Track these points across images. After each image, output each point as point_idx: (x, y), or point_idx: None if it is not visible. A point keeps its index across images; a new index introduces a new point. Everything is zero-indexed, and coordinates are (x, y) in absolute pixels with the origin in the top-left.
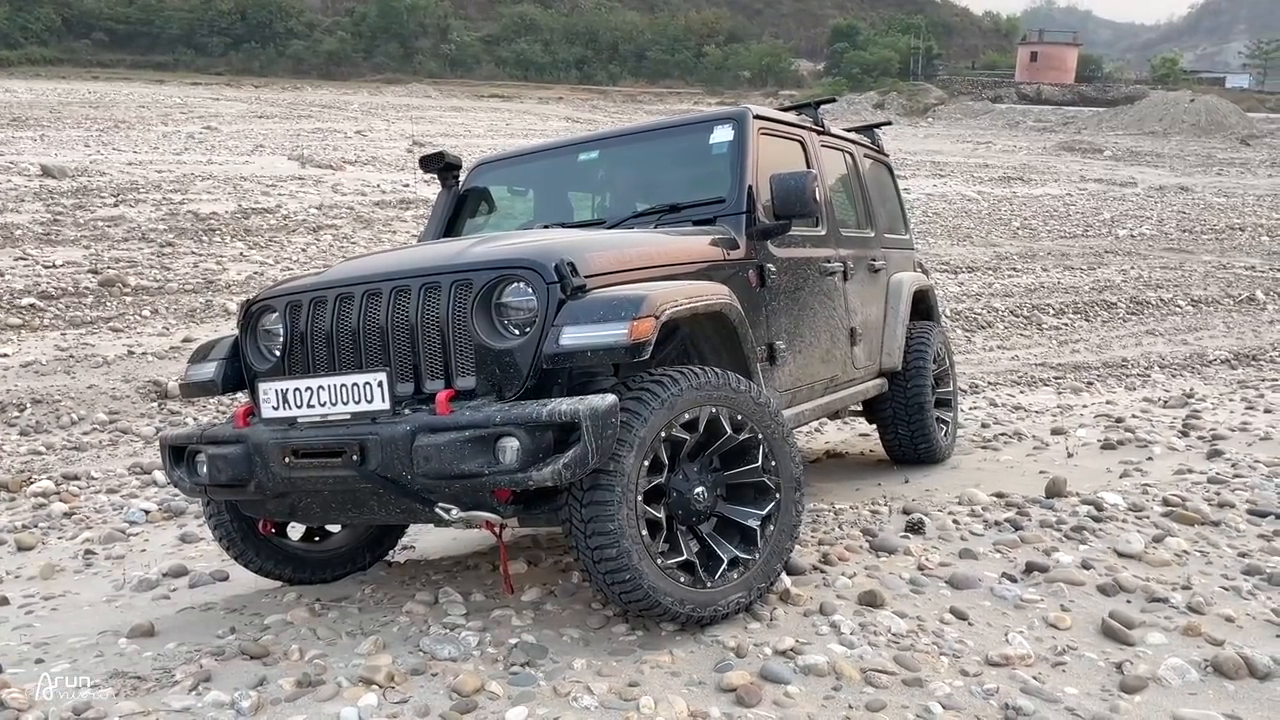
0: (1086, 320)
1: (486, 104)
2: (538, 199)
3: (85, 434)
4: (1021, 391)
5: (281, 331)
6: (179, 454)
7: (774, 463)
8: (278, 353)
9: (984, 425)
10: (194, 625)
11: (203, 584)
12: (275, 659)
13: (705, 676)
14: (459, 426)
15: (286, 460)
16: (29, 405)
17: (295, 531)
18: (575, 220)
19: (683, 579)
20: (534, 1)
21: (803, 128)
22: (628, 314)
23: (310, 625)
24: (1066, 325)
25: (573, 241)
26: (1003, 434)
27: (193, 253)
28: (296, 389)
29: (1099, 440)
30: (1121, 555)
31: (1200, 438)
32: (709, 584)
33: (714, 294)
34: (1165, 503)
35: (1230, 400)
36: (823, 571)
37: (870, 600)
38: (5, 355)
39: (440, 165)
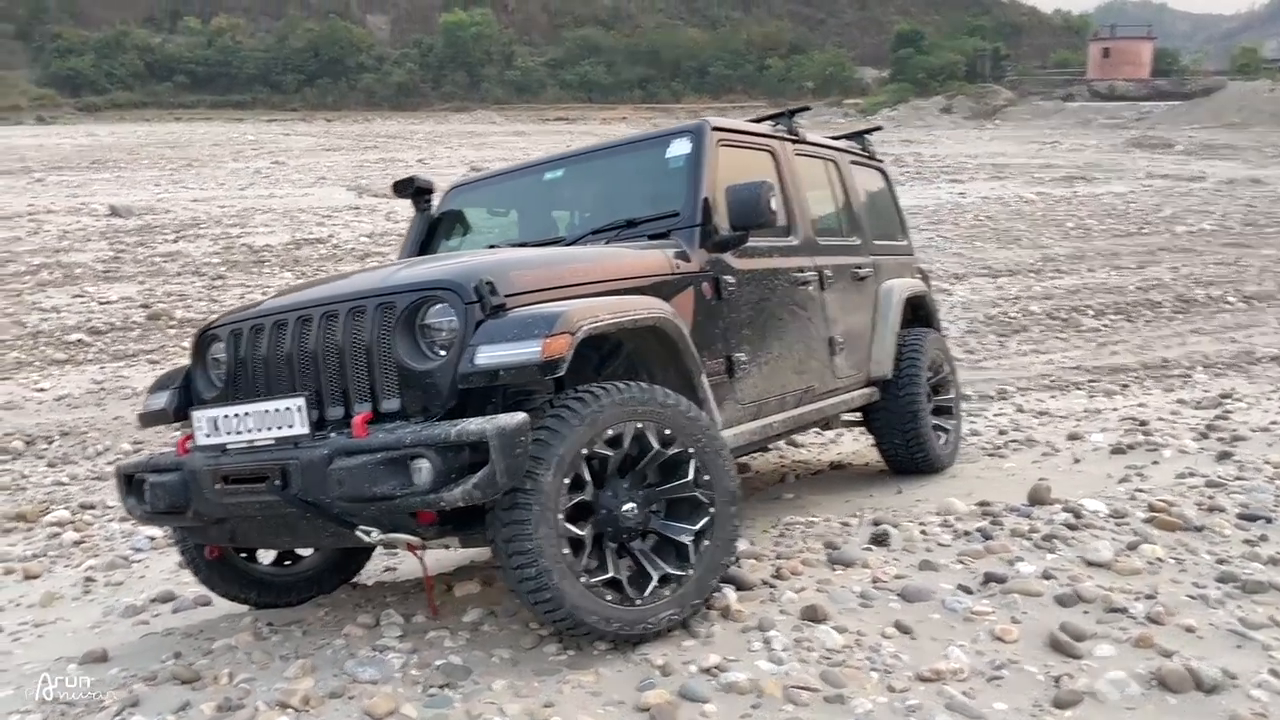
0: (1129, 321)
1: (550, 127)
2: (521, 219)
3: (109, 464)
4: (1052, 396)
5: (226, 359)
6: (129, 481)
7: (707, 477)
8: (223, 380)
9: (1001, 432)
10: (146, 650)
11: (184, 609)
12: (205, 683)
13: (626, 695)
14: (372, 449)
15: (217, 486)
16: (57, 438)
17: (267, 556)
18: (546, 238)
19: (609, 597)
20: (597, 24)
21: (772, 137)
22: (540, 331)
23: (250, 649)
24: (1106, 327)
25: (497, 261)
26: (1014, 441)
27: (241, 284)
28: (225, 416)
29: (1110, 445)
30: (1090, 564)
31: (1219, 439)
32: (638, 601)
33: (645, 308)
34: (1150, 508)
35: (1269, 400)
36: (772, 586)
37: (812, 615)
38: (42, 390)
39: (411, 190)
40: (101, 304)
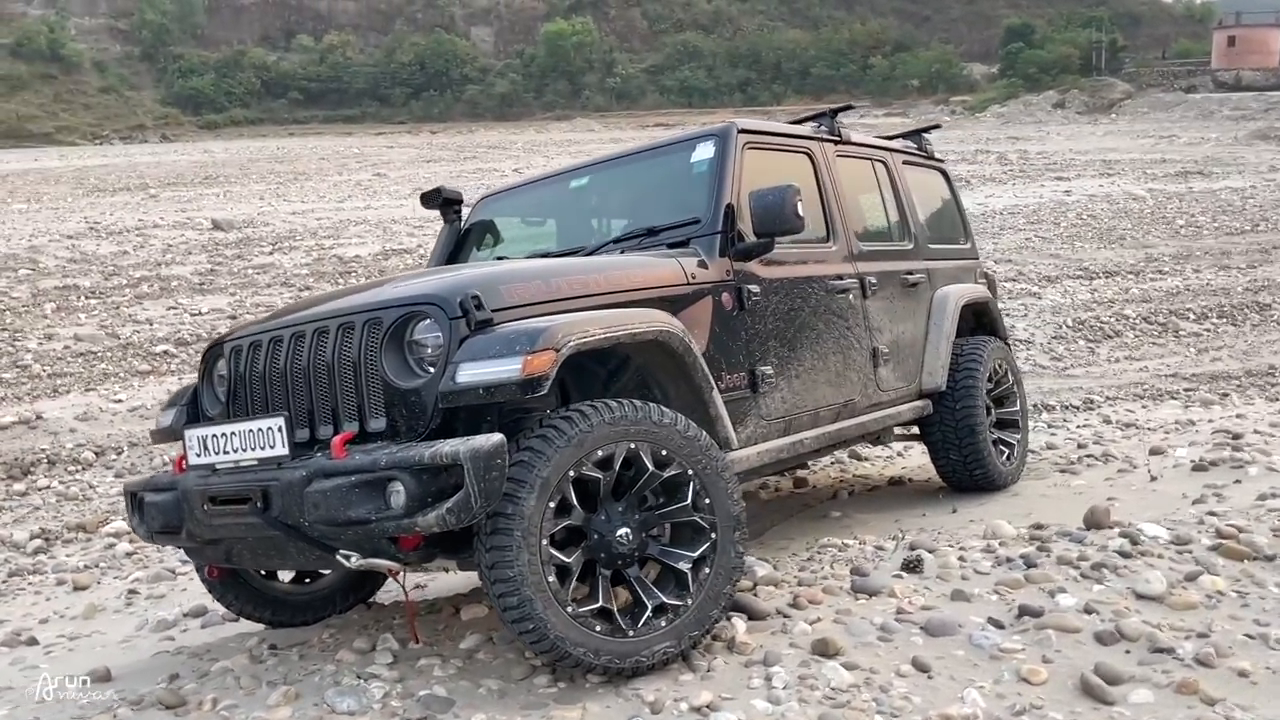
0: (1233, 325)
1: (649, 133)
2: (560, 227)
3: None
4: (1143, 406)
5: (227, 375)
6: (134, 500)
7: (708, 500)
8: (224, 397)
9: (1080, 446)
10: (149, 671)
11: (213, 624)
12: (189, 709)
13: None
14: (348, 471)
15: (205, 507)
16: (126, 449)
17: (286, 574)
18: (573, 248)
19: (598, 628)
20: (696, 29)
21: (810, 139)
22: (522, 348)
23: (242, 673)
24: (1209, 331)
25: (487, 274)
26: (1090, 456)
27: None
28: (214, 435)
29: (1193, 461)
30: (1140, 597)
31: None
32: (630, 633)
33: (646, 322)
34: (1218, 534)
35: None
36: (786, 616)
37: (823, 649)
38: (119, 400)
39: (439, 201)
40: (193, 316)
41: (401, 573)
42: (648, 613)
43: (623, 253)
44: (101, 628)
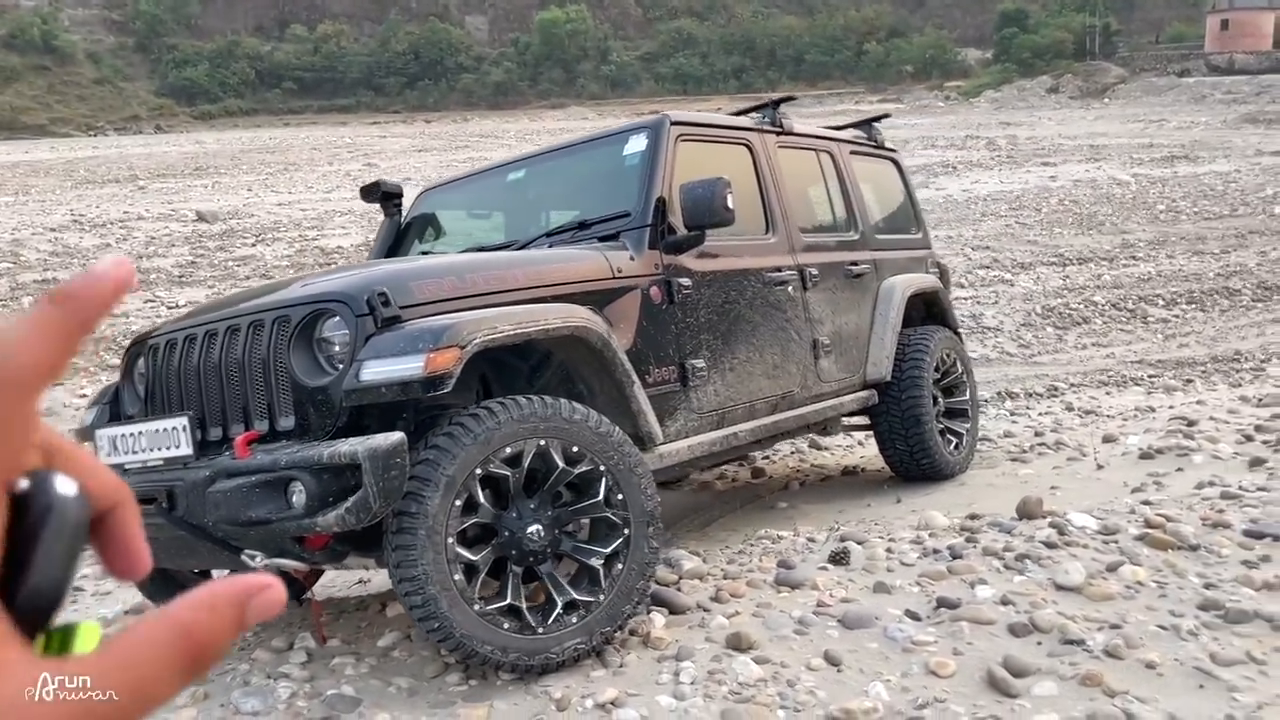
0: (1202, 310)
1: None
2: (507, 220)
3: None
4: (1107, 393)
5: (146, 374)
6: None
7: (620, 496)
8: (143, 396)
9: (1038, 434)
10: None
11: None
12: None
13: None
14: (250, 471)
15: None
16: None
17: (221, 574)
18: (508, 242)
19: (506, 625)
20: (691, 16)
21: (749, 130)
22: (425, 345)
23: None
24: (1177, 318)
25: (397, 271)
26: (1042, 444)
27: None
28: (123, 435)
29: (1140, 449)
30: (1059, 588)
31: (1265, 442)
32: (540, 630)
33: (560, 317)
34: (1146, 524)
35: None
36: (706, 610)
37: (736, 643)
38: (83, 395)
39: (378, 195)
40: (169, 309)
41: (309, 574)
42: (558, 609)
43: (551, 246)
44: None
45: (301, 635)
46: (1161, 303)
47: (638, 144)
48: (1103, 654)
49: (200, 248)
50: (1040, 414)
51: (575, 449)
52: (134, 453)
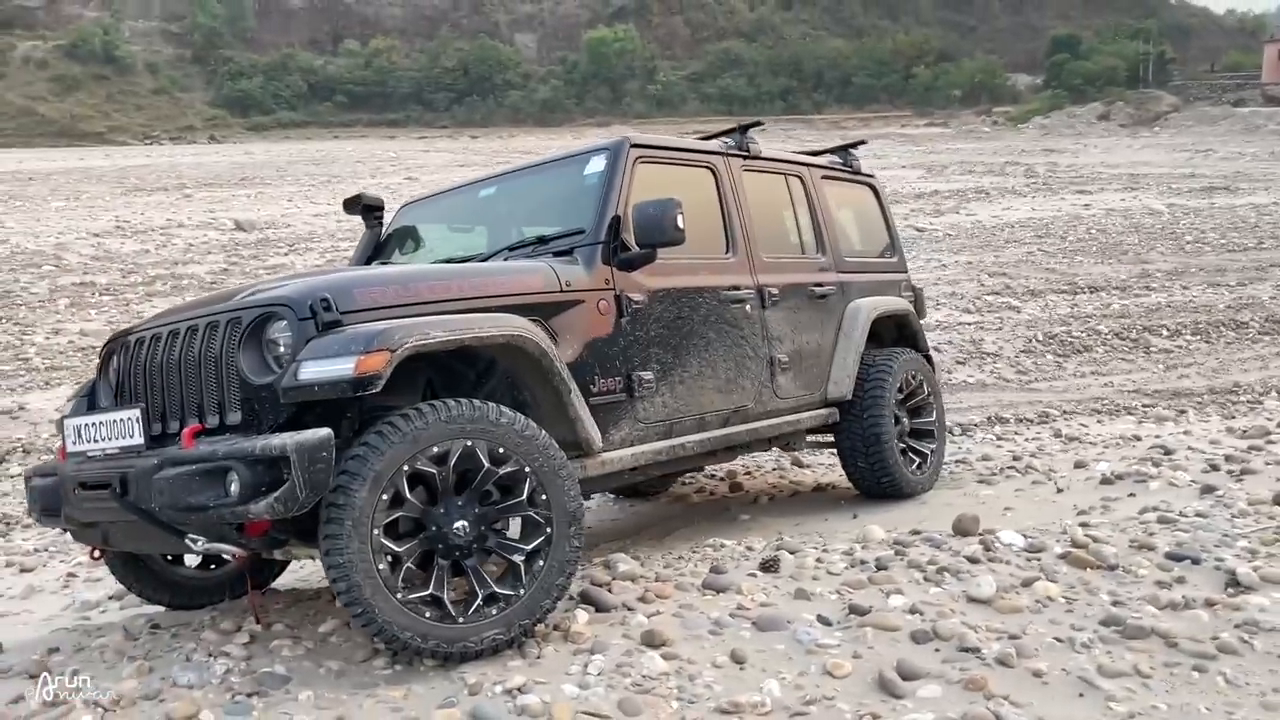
0: (1207, 342)
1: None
2: (490, 234)
3: None
4: (1099, 421)
5: (118, 370)
6: (27, 484)
7: (544, 496)
8: (113, 391)
9: (1016, 458)
10: (39, 644)
11: (132, 606)
12: (50, 680)
13: (423, 713)
14: (192, 460)
15: (76, 492)
16: None
17: (192, 559)
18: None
19: (428, 614)
20: (739, 37)
21: (713, 153)
22: (357, 348)
23: (113, 648)
24: (1181, 348)
25: (343, 279)
26: (1012, 468)
27: None
28: (86, 425)
29: (1103, 474)
30: (971, 600)
31: (1229, 472)
32: (460, 620)
33: (496, 326)
34: (1073, 543)
35: None
36: (630, 609)
37: (650, 640)
38: None
39: (359, 207)
40: None
41: (246, 558)
42: (478, 601)
43: (506, 259)
44: (32, 607)
45: (250, 619)
46: (1166, 333)
47: (597, 164)
48: (994, 661)
49: (235, 256)
50: (1026, 439)
51: (501, 450)
52: (94, 441)
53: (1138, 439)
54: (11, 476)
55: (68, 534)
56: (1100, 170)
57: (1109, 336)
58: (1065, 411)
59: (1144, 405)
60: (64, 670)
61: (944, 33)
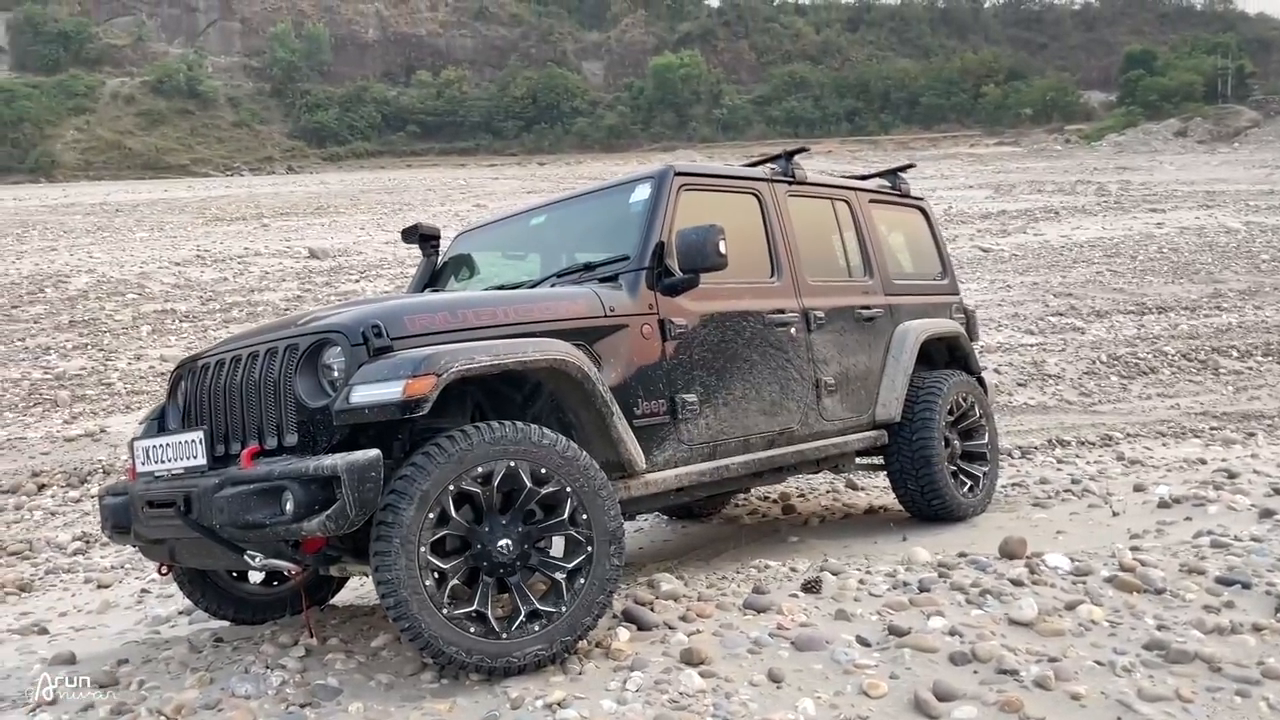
0: (1279, 363)
1: None
2: (543, 260)
3: None
4: (1164, 444)
5: (185, 394)
6: (100, 503)
7: (585, 516)
8: (181, 414)
9: (1075, 481)
10: (111, 655)
11: (200, 621)
12: (119, 689)
13: None
14: (250, 480)
15: (144, 510)
16: None
17: (256, 576)
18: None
19: (473, 629)
20: (804, 60)
21: (758, 180)
22: (405, 373)
23: (178, 660)
24: (1252, 369)
25: (393, 306)
26: (1069, 491)
27: None
28: (154, 446)
29: (1161, 498)
30: (1013, 623)
31: None
32: (504, 636)
33: (540, 351)
34: (1121, 566)
35: None
36: (671, 628)
37: (689, 658)
38: None
39: (416, 236)
40: None
41: (301, 573)
42: (521, 617)
43: (553, 285)
44: (109, 621)
45: (305, 634)
46: (1236, 354)
47: (642, 193)
48: (1032, 684)
49: (309, 283)
50: (1087, 463)
51: (543, 470)
52: (162, 462)
53: (1203, 462)
54: (92, 496)
55: (139, 551)
56: (1175, 188)
57: (1175, 358)
58: (1129, 434)
59: (1211, 428)
60: (130, 680)
61: (1014, 51)
